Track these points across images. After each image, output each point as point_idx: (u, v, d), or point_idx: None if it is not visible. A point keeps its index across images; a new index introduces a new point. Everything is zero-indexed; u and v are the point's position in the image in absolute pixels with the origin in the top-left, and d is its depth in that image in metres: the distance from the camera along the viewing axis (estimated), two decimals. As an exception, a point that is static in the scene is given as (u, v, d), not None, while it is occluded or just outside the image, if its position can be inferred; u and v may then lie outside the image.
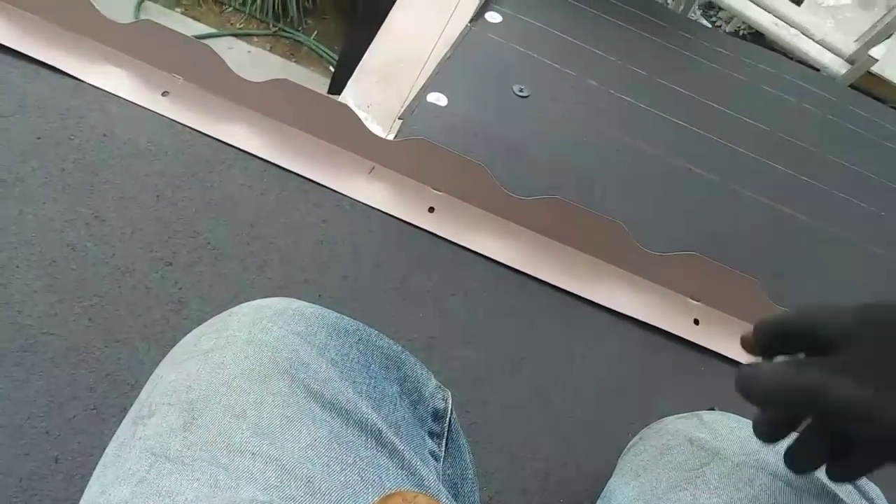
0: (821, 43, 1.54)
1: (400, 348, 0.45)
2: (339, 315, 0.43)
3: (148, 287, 0.66)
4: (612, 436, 0.68)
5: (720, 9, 2.49)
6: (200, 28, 2.58)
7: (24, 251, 0.65)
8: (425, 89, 0.92)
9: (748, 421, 0.54)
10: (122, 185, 0.71)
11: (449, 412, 0.46)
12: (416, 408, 0.44)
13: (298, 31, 2.67)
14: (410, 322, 0.72)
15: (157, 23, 0.77)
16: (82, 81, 0.78)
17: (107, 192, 0.71)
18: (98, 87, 0.78)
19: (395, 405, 0.42)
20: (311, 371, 0.38)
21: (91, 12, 0.78)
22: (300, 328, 0.40)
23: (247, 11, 2.63)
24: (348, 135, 0.79)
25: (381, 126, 0.88)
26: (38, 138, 0.72)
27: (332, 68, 2.53)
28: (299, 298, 0.45)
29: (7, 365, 0.59)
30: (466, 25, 1.03)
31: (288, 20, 2.64)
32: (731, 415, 0.55)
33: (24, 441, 0.56)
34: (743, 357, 0.77)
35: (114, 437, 0.38)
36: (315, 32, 2.68)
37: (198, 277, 0.68)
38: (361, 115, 0.88)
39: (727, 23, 2.80)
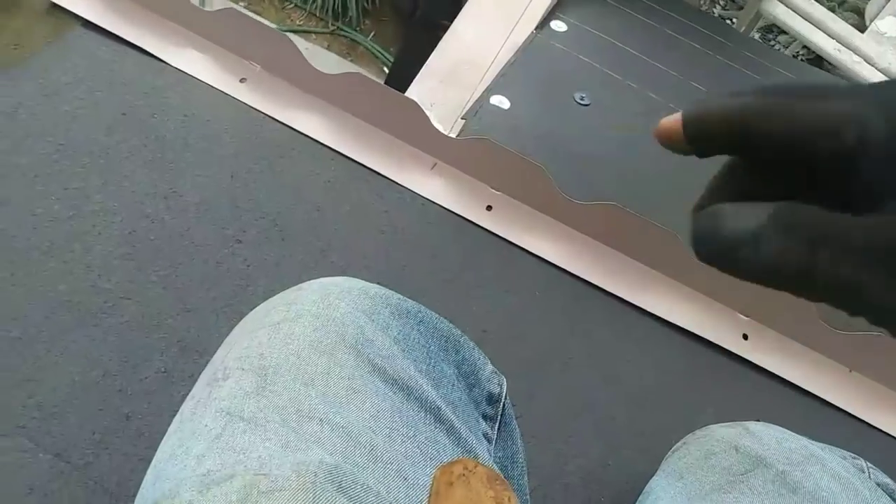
0: (883, 72, 1.53)
1: (459, 332, 0.47)
2: (401, 297, 0.45)
3: (218, 262, 0.69)
4: (655, 441, 0.69)
5: (780, 32, 2.47)
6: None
7: (106, 219, 0.68)
8: (489, 91, 0.95)
9: (793, 433, 0.55)
10: (199, 164, 0.75)
11: (503, 397, 0.48)
12: (471, 390, 0.46)
13: (356, 30, 2.71)
14: (463, 314, 0.73)
15: (240, 11, 0.80)
16: (167, 63, 0.82)
17: (185, 169, 0.74)
18: (181, 70, 0.81)
19: (452, 385, 0.44)
20: (375, 347, 0.40)
21: (179, -2, 0.82)
22: (365, 306, 0.42)
23: (307, 9, 2.69)
24: (414, 130, 0.82)
25: (443, 125, 0.90)
26: (124, 114, 0.76)
27: (386, 69, 2.58)
28: (375, 284, 0.47)
29: (87, 325, 0.62)
30: (532, 32, 1.05)
31: (347, 20, 2.69)
32: (777, 426, 0.56)
33: (99, 397, 0.59)
34: (789, 374, 0.78)
35: (189, 397, 0.40)
36: (372, 33, 2.73)
37: (265, 256, 0.71)
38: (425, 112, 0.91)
39: (786, 47, 2.77)
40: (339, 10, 2.65)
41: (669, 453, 0.61)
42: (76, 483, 0.54)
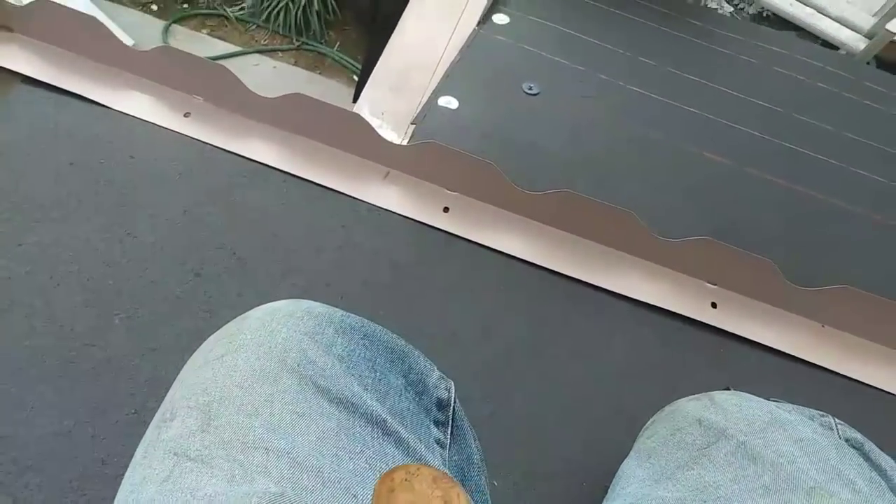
0: (838, 20, 1.53)
1: (403, 342, 0.47)
2: (345, 313, 0.46)
3: (178, 297, 0.70)
4: (633, 420, 0.69)
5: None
6: (227, 47, 2.65)
7: (63, 269, 0.69)
8: (436, 93, 0.95)
9: (758, 399, 0.55)
10: (151, 203, 0.75)
11: (452, 401, 0.49)
12: (420, 398, 0.47)
13: (321, 43, 2.72)
14: (431, 319, 0.74)
15: (174, 48, 0.81)
16: (109, 108, 0.82)
17: (137, 210, 0.75)
18: (124, 112, 0.82)
19: (399, 396, 0.44)
20: (318, 368, 0.40)
21: (112, 42, 0.82)
22: (308, 328, 0.43)
23: (270, 28, 2.69)
24: (362, 142, 0.82)
25: (396, 132, 0.91)
26: (71, 164, 0.77)
27: (356, 77, 2.58)
28: (322, 301, 0.48)
29: (53, 376, 0.63)
30: (474, 29, 1.06)
31: (310, 34, 2.70)
32: (743, 394, 0.56)
33: (73, 445, 0.59)
34: (761, 337, 0.78)
35: (142, 440, 0.41)
36: (338, 44, 2.73)
37: (225, 287, 0.71)
38: (376, 122, 0.91)
39: (750, 5, 2.77)
40: (302, 25, 2.66)
41: (641, 432, 0.61)
42: (55, 535, 0.55)
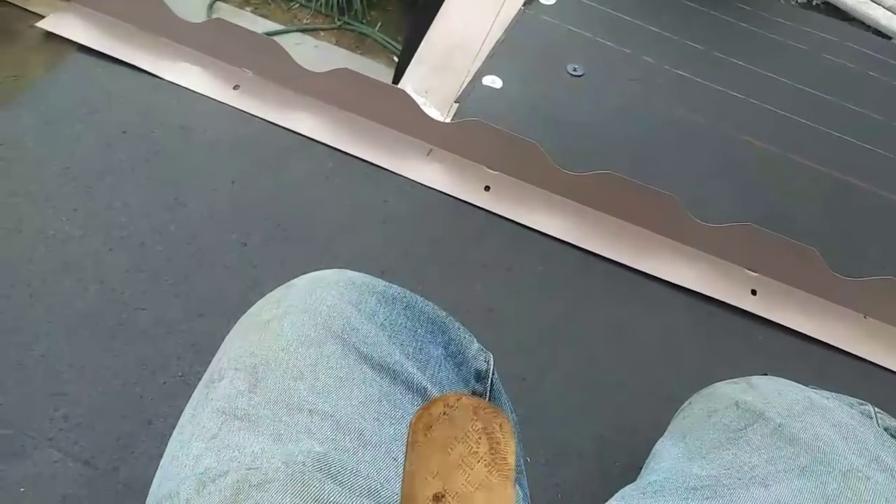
0: (891, 9, 1.48)
1: (444, 313, 0.48)
2: (387, 283, 0.47)
3: (226, 266, 0.71)
4: (668, 403, 0.69)
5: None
6: (269, 25, 2.67)
7: (115, 234, 0.71)
8: (480, 72, 0.95)
9: (797, 385, 0.55)
10: (200, 173, 0.77)
11: (491, 373, 0.49)
12: (459, 369, 0.47)
13: (363, 23, 2.72)
14: (467, 295, 0.75)
15: (226, 21, 0.82)
16: (161, 78, 0.84)
17: (186, 179, 0.76)
18: (175, 83, 0.84)
19: (439, 366, 0.45)
20: (361, 335, 0.41)
21: (166, 13, 0.84)
22: (352, 296, 0.44)
23: (312, 7, 2.70)
24: (406, 119, 0.83)
25: (440, 110, 0.91)
26: (124, 132, 0.79)
27: (396, 58, 2.58)
28: (362, 273, 0.49)
29: (104, 337, 0.65)
30: (520, 8, 1.05)
31: (352, 14, 2.70)
32: (781, 379, 0.56)
33: (122, 404, 0.62)
34: (801, 326, 0.78)
35: (190, 399, 0.42)
36: (379, 24, 2.73)
37: (270, 256, 0.73)
38: (420, 100, 0.92)
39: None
40: (345, 4, 2.67)
41: (677, 413, 0.62)
42: (105, 488, 0.57)
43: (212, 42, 0.85)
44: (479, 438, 0.31)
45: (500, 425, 0.31)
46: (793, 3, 2.61)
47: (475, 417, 0.31)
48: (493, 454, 0.30)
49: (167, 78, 0.84)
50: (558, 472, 0.66)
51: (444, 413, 0.31)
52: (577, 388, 0.71)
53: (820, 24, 1.21)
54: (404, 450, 0.37)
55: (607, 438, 0.68)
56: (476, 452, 0.30)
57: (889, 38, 1.55)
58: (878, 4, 1.50)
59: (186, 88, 0.84)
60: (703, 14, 1.16)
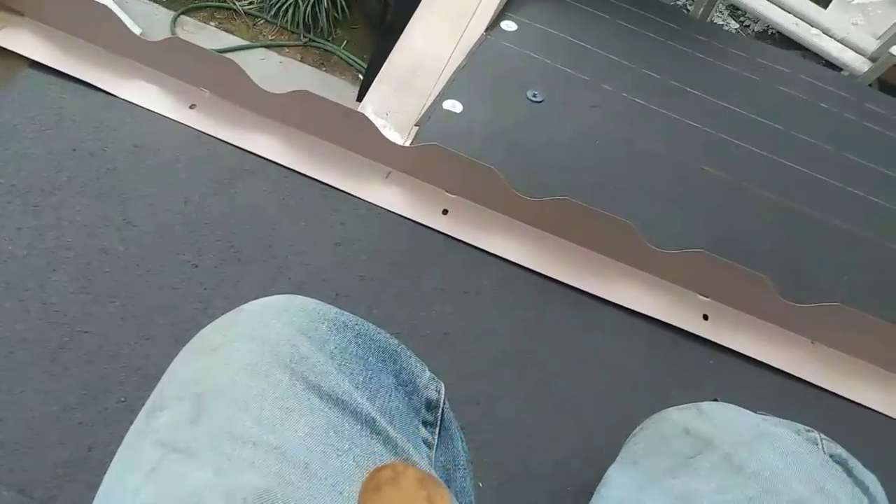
0: (842, 42, 1.54)
1: (396, 342, 0.48)
2: (339, 311, 0.46)
3: (175, 287, 0.70)
4: (621, 428, 0.69)
5: (745, 10, 2.48)
6: (234, 41, 2.66)
7: (61, 255, 0.69)
8: (441, 96, 0.96)
9: (746, 411, 0.56)
10: (152, 193, 0.76)
11: (442, 402, 0.49)
12: (410, 398, 0.47)
13: (328, 40, 2.73)
14: (424, 319, 0.74)
15: (183, 40, 0.81)
16: (115, 96, 0.83)
17: (137, 199, 0.75)
18: (130, 102, 0.82)
19: (390, 396, 0.45)
20: (309, 364, 0.41)
21: (122, 30, 0.83)
22: (302, 324, 0.43)
23: (278, 23, 2.70)
24: (365, 142, 0.83)
25: (400, 133, 0.91)
26: (74, 150, 0.77)
27: (361, 76, 2.59)
28: (317, 298, 0.48)
29: (45, 361, 0.63)
30: (482, 34, 1.06)
31: (318, 31, 2.71)
32: (731, 405, 0.57)
33: (60, 431, 0.60)
34: (751, 351, 0.79)
35: (131, 428, 0.41)
36: (345, 42, 2.74)
37: (222, 278, 0.72)
38: (380, 122, 0.92)
39: (755, 23, 2.79)
40: (310, 21, 2.67)
41: (628, 439, 0.62)
42: (40, 517, 0.55)
43: (168, 60, 0.84)
44: (423, 505, 0.32)
45: (442, 496, 0.32)
46: (749, 32, 2.68)
47: (421, 487, 0.33)
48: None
49: (121, 96, 0.83)
50: (511, 496, 0.65)
51: (392, 478, 0.33)
52: (532, 413, 0.71)
53: (773, 56, 1.24)
54: (351, 485, 0.37)
55: (561, 463, 0.68)
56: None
57: (840, 69, 1.61)
58: (831, 37, 1.56)
59: (141, 107, 0.82)
60: (661, 44, 1.18)
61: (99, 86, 0.83)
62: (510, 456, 0.68)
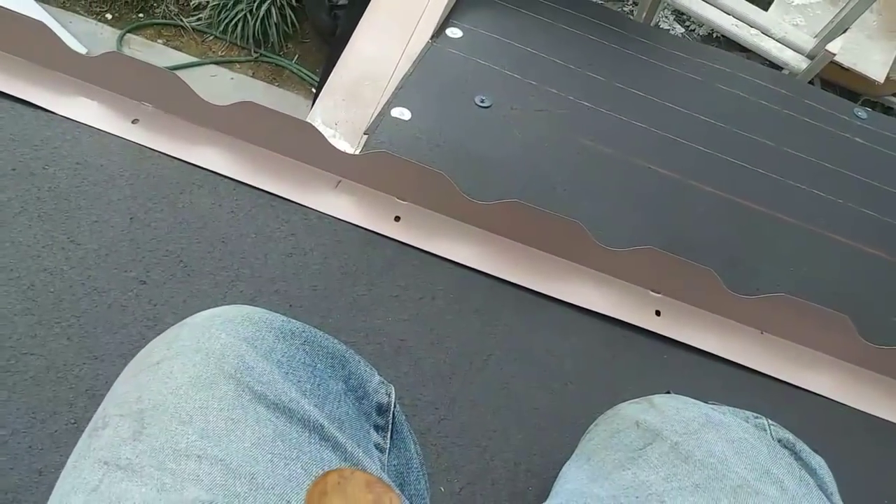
0: (781, 41, 1.59)
1: (344, 347, 0.48)
2: (286, 318, 0.46)
3: (123, 306, 0.69)
4: (579, 425, 0.70)
5: (688, 13, 2.54)
6: (183, 58, 2.63)
7: (3, 277, 0.68)
8: (389, 104, 0.96)
9: (695, 401, 0.57)
10: (96, 210, 0.74)
11: (392, 406, 0.49)
12: (360, 403, 0.47)
13: (279, 55, 2.71)
14: (379, 326, 0.74)
15: (122, 54, 0.80)
16: (55, 114, 0.81)
17: (81, 217, 0.74)
18: (70, 119, 0.81)
19: (339, 401, 0.45)
20: (255, 374, 0.41)
21: (60, 47, 0.81)
22: (248, 333, 0.43)
23: (227, 39, 2.68)
24: (313, 151, 0.83)
25: (349, 142, 0.92)
26: (13, 169, 0.75)
27: (314, 90, 2.58)
28: (270, 309, 0.48)
29: (-11, 385, 0.61)
30: (428, 41, 1.07)
31: (269, 46, 2.69)
32: (681, 397, 0.58)
33: (8, 456, 0.58)
34: (703, 344, 0.81)
35: (74, 449, 0.40)
36: (296, 56, 2.73)
37: (171, 294, 0.71)
38: (329, 132, 0.92)
39: (700, 27, 2.86)
40: (260, 36, 2.66)
41: (583, 436, 0.63)
42: (-13, 547, 0.53)
43: (109, 76, 0.82)
44: (370, 509, 0.32)
45: (391, 500, 0.33)
46: (695, 36, 2.75)
47: (368, 490, 0.33)
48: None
49: (61, 113, 0.81)
50: (473, 499, 0.66)
51: (339, 483, 0.33)
52: (490, 415, 0.71)
53: (715, 56, 1.28)
54: (299, 494, 0.37)
55: (521, 464, 0.69)
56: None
57: (780, 68, 1.66)
58: (770, 37, 1.61)
59: (82, 123, 0.81)
60: (605, 48, 1.21)
61: (37, 103, 0.81)
62: (470, 458, 0.68)
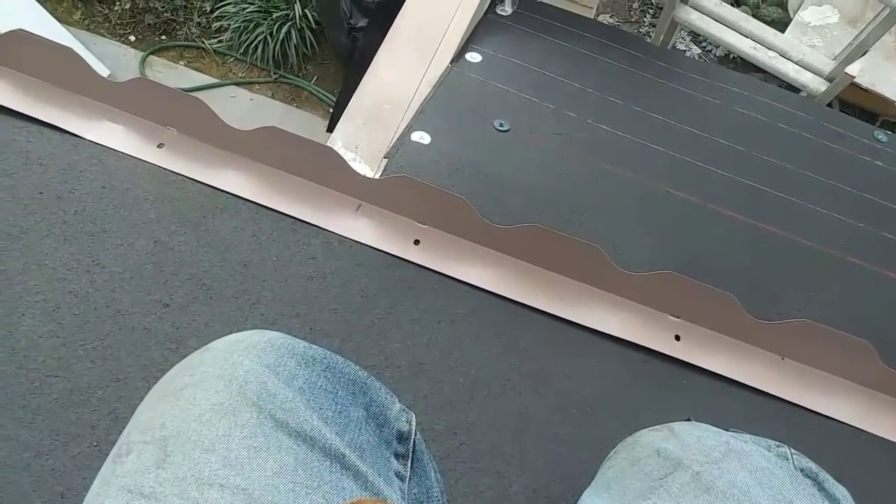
0: (799, 63, 1.58)
1: (366, 374, 0.48)
2: (308, 345, 0.46)
3: (147, 328, 0.69)
4: (598, 451, 0.70)
5: (705, 35, 2.54)
6: (203, 79, 2.67)
7: (29, 300, 0.69)
8: (409, 128, 0.97)
9: (716, 430, 0.56)
10: (121, 233, 0.76)
11: (413, 433, 0.49)
12: (381, 430, 0.47)
13: (298, 76, 2.75)
14: (398, 350, 0.75)
15: (148, 79, 0.82)
16: (82, 138, 0.83)
17: (106, 240, 0.75)
18: (97, 143, 0.82)
19: (360, 429, 0.45)
20: (277, 401, 0.41)
21: (87, 72, 0.83)
22: (270, 360, 0.43)
23: (248, 61, 2.72)
24: (334, 175, 0.83)
25: (370, 166, 0.92)
26: (41, 193, 0.77)
27: (332, 110, 2.61)
28: (291, 333, 0.48)
29: (14, 407, 0.62)
30: (447, 66, 1.08)
31: (288, 67, 2.73)
32: (702, 424, 0.57)
33: (32, 478, 0.59)
34: (724, 369, 0.80)
35: (98, 475, 0.40)
36: (315, 77, 2.76)
37: (193, 317, 0.71)
38: (349, 156, 0.92)
39: (717, 48, 2.86)
40: (280, 58, 2.70)
41: (603, 463, 0.62)
42: (11, 569, 0.54)
43: (134, 101, 0.84)
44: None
45: None
46: (711, 57, 2.74)
47: None
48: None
49: (88, 137, 0.83)
50: (491, 527, 0.65)
51: None
52: (508, 440, 0.71)
53: (733, 79, 1.28)
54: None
55: (539, 490, 0.68)
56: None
57: (798, 90, 1.65)
58: (788, 59, 1.60)
59: (108, 147, 0.82)
60: (622, 71, 1.21)
61: (65, 128, 0.83)
62: (488, 485, 0.67)
